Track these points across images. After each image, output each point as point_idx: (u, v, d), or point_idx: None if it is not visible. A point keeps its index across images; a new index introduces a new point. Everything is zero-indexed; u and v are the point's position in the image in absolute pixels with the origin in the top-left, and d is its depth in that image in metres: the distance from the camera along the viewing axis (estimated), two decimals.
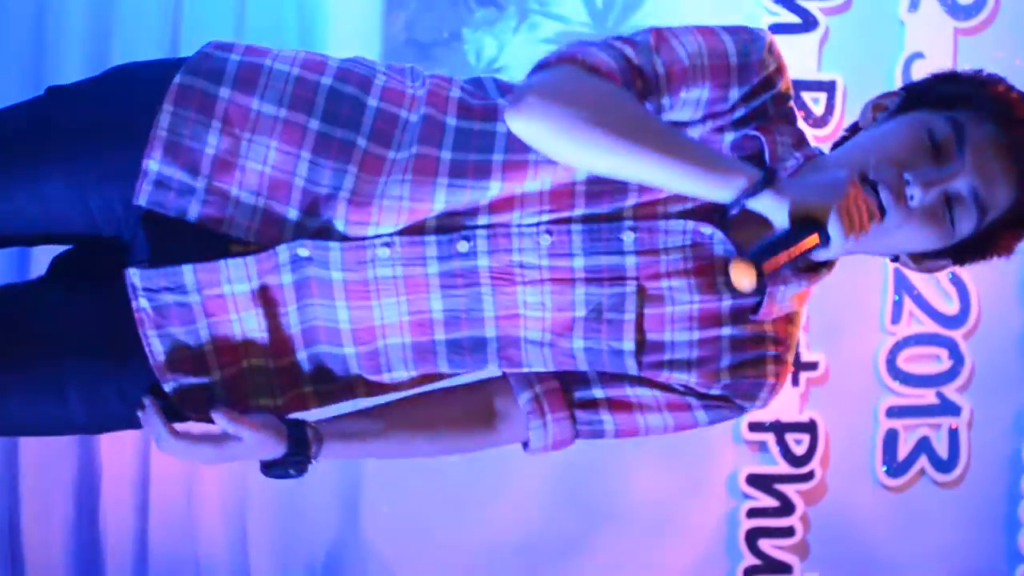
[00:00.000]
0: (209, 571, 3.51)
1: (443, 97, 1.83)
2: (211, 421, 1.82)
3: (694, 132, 1.77)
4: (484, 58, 3.47)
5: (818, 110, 3.54)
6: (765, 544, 3.66)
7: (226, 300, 1.79)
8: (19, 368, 1.82)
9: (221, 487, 3.48)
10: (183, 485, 3.47)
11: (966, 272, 3.61)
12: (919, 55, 3.55)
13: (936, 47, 3.55)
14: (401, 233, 1.77)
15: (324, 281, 1.78)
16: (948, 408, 3.68)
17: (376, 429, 1.90)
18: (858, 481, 3.69)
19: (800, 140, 1.81)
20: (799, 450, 3.65)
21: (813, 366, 3.62)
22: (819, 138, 3.47)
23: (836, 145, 1.86)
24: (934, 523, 3.70)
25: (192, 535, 3.49)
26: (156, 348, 1.80)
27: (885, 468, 3.69)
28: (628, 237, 1.78)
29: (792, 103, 1.83)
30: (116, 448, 3.40)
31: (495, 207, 1.77)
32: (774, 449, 3.65)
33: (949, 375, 3.68)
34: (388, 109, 1.81)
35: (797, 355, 1.91)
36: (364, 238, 1.77)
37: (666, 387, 1.87)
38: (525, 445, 1.94)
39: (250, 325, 1.80)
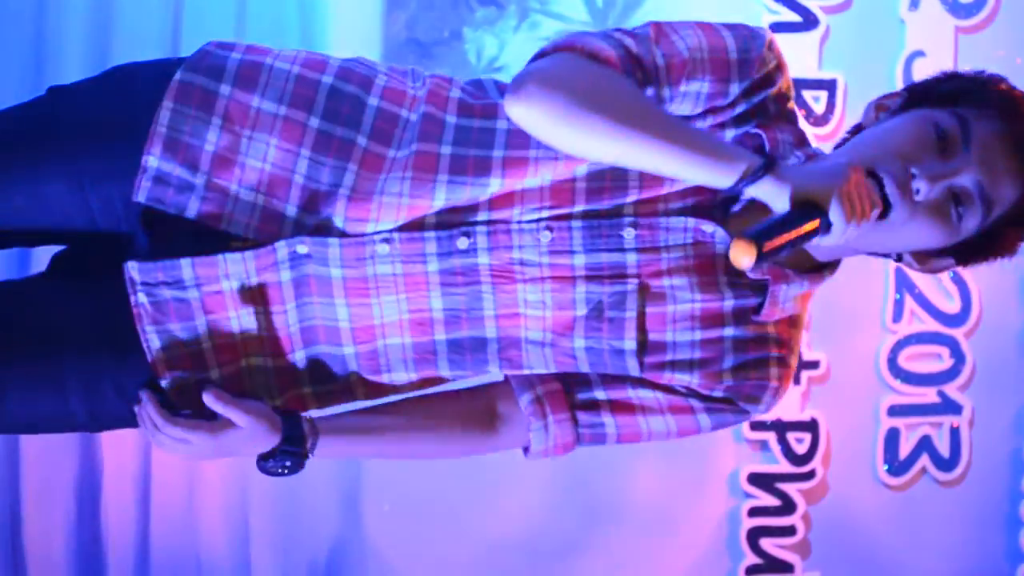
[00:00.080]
0: (210, 569, 3.51)
1: (443, 96, 1.83)
2: (208, 419, 1.82)
3: None
4: (485, 57, 3.47)
5: (819, 108, 3.54)
6: (766, 543, 3.66)
7: (224, 297, 1.79)
8: (18, 364, 1.82)
9: (223, 485, 3.48)
10: (185, 483, 3.47)
11: (967, 271, 3.60)
12: (920, 53, 3.55)
13: (937, 45, 3.55)
14: (401, 229, 1.77)
15: (323, 279, 1.78)
16: (949, 407, 3.68)
17: (375, 426, 1.89)
18: (859, 480, 3.69)
19: (801, 140, 1.81)
20: (800, 449, 3.65)
21: (814, 365, 3.62)
22: (820, 137, 3.47)
23: (838, 146, 1.85)
24: (935, 522, 3.70)
25: (194, 533, 3.49)
26: (154, 344, 1.80)
27: (886, 467, 3.69)
28: (629, 234, 1.78)
29: (793, 103, 1.82)
30: (117, 446, 3.40)
31: (495, 203, 1.77)
32: (775, 448, 3.65)
33: (950, 374, 3.68)
34: (389, 108, 1.81)
35: (799, 356, 1.90)
36: (363, 234, 1.77)
37: (668, 389, 1.86)
38: (526, 451, 1.93)
39: (248, 323, 1.80)
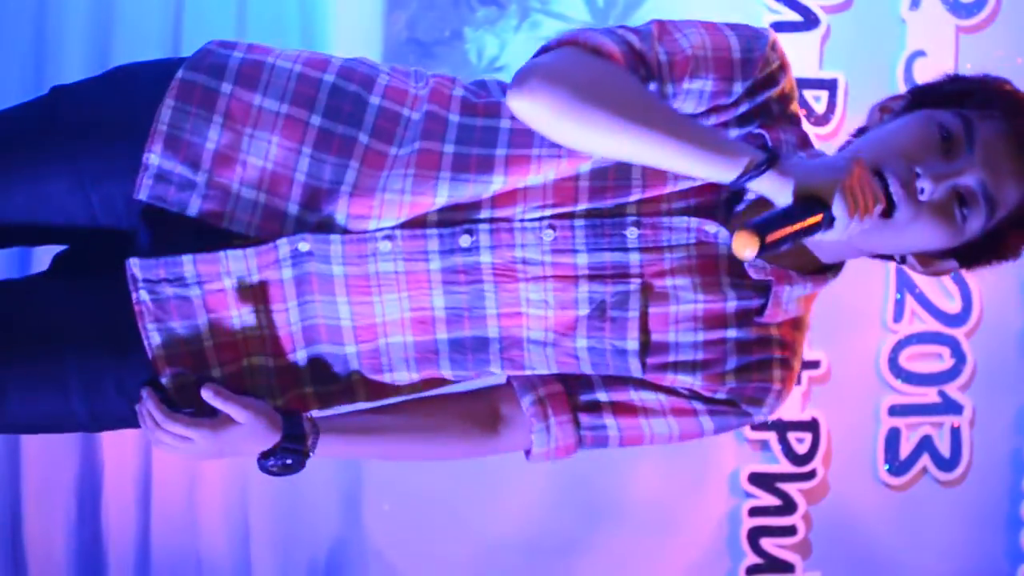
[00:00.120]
0: (211, 569, 3.51)
1: (446, 95, 1.83)
2: (208, 415, 1.81)
3: None
4: (485, 57, 3.47)
5: (819, 108, 3.54)
6: (767, 543, 3.66)
7: (226, 294, 1.79)
8: (18, 364, 1.82)
9: (223, 484, 3.48)
10: (185, 483, 3.47)
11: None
12: (920, 53, 3.55)
13: (937, 45, 3.54)
14: (403, 227, 1.76)
15: (325, 276, 1.78)
16: (950, 407, 3.68)
17: (376, 426, 1.89)
18: (860, 480, 3.69)
19: (804, 141, 1.81)
20: (801, 449, 3.65)
21: (815, 364, 3.62)
22: (820, 136, 3.47)
23: (842, 149, 1.84)
24: (936, 521, 3.70)
25: (194, 533, 3.49)
26: (155, 342, 1.79)
27: (887, 467, 3.69)
28: (632, 233, 1.78)
29: (796, 104, 1.82)
30: (118, 446, 3.40)
31: (498, 201, 1.77)
32: (776, 448, 3.65)
33: (951, 373, 3.67)
34: (390, 107, 1.81)
35: (802, 359, 1.90)
36: (365, 232, 1.77)
37: (671, 391, 1.85)
38: (528, 454, 1.92)
39: (250, 321, 1.80)
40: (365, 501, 3.57)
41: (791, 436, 3.64)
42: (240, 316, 1.80)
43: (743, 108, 1.77)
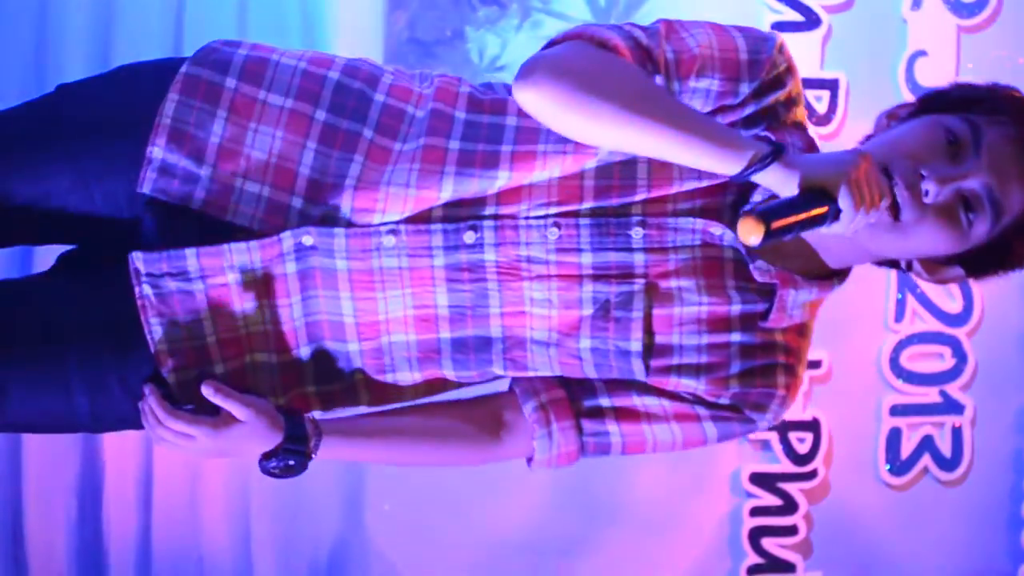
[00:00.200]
0: (212, 569, 3.51)
1: (452, 93, 1.83)
2: (211, 413, 1.81)
3: None
4: (487, 56, 3.47)
5: (821, 108, 3.54)
6: (768, 542, 3.66)
7: (229, 289, 1.79)
8: (21, 362, 1.81)
9: (224, 484, 3.48)
10: (186, 483, 3.47)
11: None
12: (922, 53, 3.55)
13: (939, 45, 3.54)
14: (407, 221, 1.77)
15: (328, 271, 1.78)
16: (951, 406, 3.68)
17: (378, 429, 1.88)
18: (861, 479, 3.69)
19: (811, 146, 1.80)
20: (802, 448, 3.65)
21: (816, 364, 3.61)
22: (822, 136, 3.47)
23: None
24: (937, 521, 3.70)
25: (195, 533, 3.49)
26: (158, 336, 1.79)
27: (888, 466, 3.69)
28: (637, 233, 1.77)
29: (803, 109, 1.82)
30: (119, 446, 3.40)
31: (503, 198, 1.77)
32: (777, 447, 3.65)
33: (952, 373, 3.67)
34: (395, 104, 1.82)
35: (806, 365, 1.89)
36: (370, 225, 1.77)
37: (674, 395, 1.84)
38: (529, 461, 1.91)
39: (253, 317, 1.80)
40: (367, 501, 3.57)
41: (792, 436, 3.64)
42: (243, 311, 1.80)
43: (749, 110, 1.77)
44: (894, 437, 3.68)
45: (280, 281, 1.79)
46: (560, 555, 3.63)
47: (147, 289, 1.78)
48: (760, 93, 1.77)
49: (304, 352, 1.83)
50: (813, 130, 1.86)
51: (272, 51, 1.86)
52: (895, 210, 1.69)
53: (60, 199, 1.81)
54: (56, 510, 3.42)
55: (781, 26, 3.48)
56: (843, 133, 3.50)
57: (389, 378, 1.85)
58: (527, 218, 1.77)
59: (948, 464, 3.69)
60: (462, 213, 1.77)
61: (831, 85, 3.54)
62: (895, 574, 3.71)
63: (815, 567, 3.69)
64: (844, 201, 1.62)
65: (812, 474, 3.66)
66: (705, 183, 1.77)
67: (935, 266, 1.81)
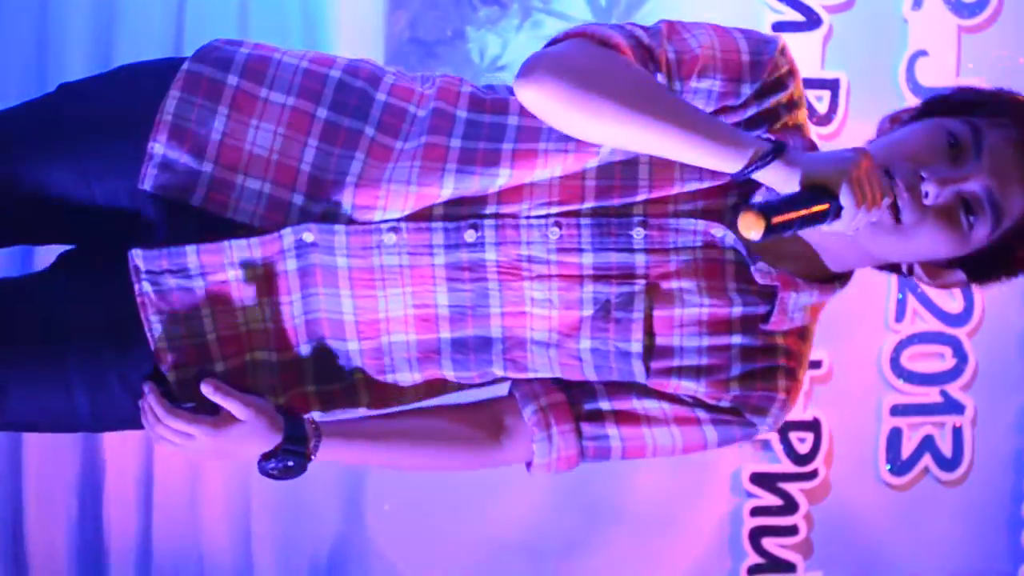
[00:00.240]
0: (212, 568, 3.51)
1: (454, 92, 1.83)
2: (211, 413, 1.80)
3: None
4: (488, 56, 3.47)
5: (822, 108, 3.53)
6: (768, 542, 3.66)
7: (229, 286, 1.79)
8: (21, 361, 1.81)
9: (225, 484, 3.48)
10: (187, 482, 3.47)
11: None
12: (923, 53, 3.55)
13: (939, 45, 3.54)
14: (408, 219, 1.77)
15: (329, 268, 1.78)
16: (952, 406, 3.68)
17: (378, 432, 1.88)
18: (862, 479, 3.69)
19: (812, 149, 1.80)
20: (803, 448, 3.65)
21: (817, 364, 3.61)
22: (823, 136, 3.47)
23: None
24: (938, 521, 3.70)
25: (196, 532, 3.49)
26: (158, 334, 1.79)
27: (889, 466, 3.69)
28: (638, 234, 1.77)
29: (805, 113, 1.82)
30: (120, 445, 3.40)
31: (504, 197, 1.77)
32: (778, 447, 3.64)
33: (953, 373, 3.67)
34: (396, 104, 1.82)
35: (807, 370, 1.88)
36: (371, 223, 1.77)
37: (674, 398, 1.84)
38: (529, 466, 1.90)
39: (253, 314, 1.80)
40: (367, 501, 3.57)
41: (793, 436, 3.64)
42: (243, 308, 1.80)
43: (751, 111, 1.77)
44: (895, 437, 3.68)
45: (280, 278, 1.79)
46: (560, 555, 3.63)
47: (147, 286, 1.78)
48: (762, 95, 1.77)
49: (304, 350, 1.83)
50: (815, 134, 1.85)
51: (274, 50, 1.86)
52: (895, 211, 1.69)
53: (61, 196, 1.81)
54: (57, 509, 3.42)
55: (782, 26, 3.48)
56: (844, 133, 3.50)
57: (389, 378, 1.84)
58: (528, 217, 1.77)
59: (948, 464, 3.69)
60: (463, 212, 1.77)
61: (832, 85, 3.54)
62: (895, 574, 3.71)
63: (815, 567, 3.69)
64: (845, 199, 1.62)
65: (813, 474, 3.66)
66: (707, 184, 1.77)
67: (936, 270, 1.81)
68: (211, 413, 1.80)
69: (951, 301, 3.65)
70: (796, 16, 3.52)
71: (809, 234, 1.77)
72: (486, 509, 3.58)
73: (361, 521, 3.58)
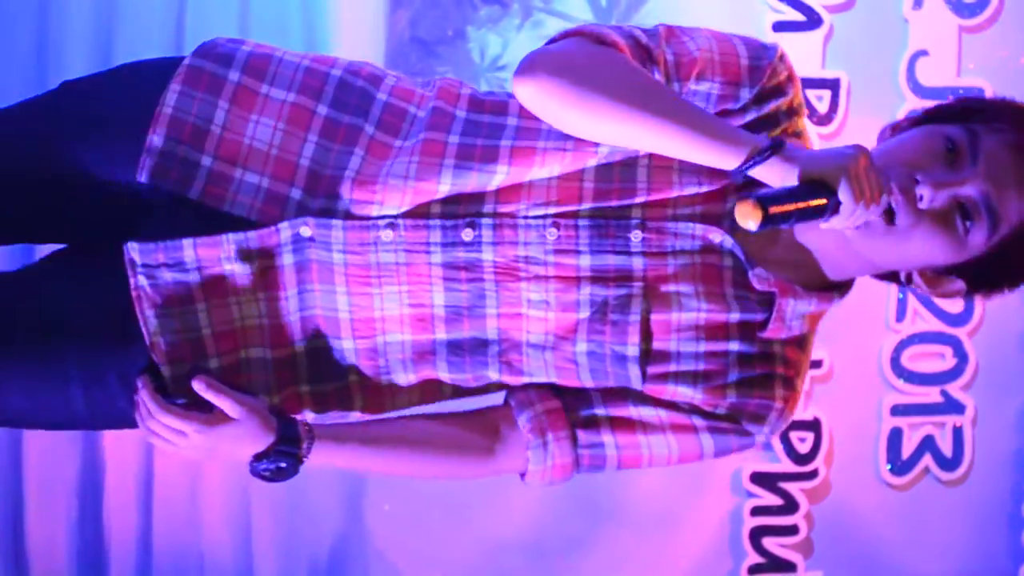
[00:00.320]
0: (213, 567, 3.51)
1: (454, 94, 1.84)
2: (205, 410, 1.79)
3: None
4: (488, 56, 3.47)
5: (822, 108, 3.53)
6: (769, 542, 3.66)
7: (226, 280, 1.78)
8: (18, 355, 1.81)
9: (225, 483, 3.48)
10: (187, 482, 3.47)
11: None
12: (923, 52, 3.54)
13: (940, 45, 3.54)
14: (406, 216, 1.76)
15: (325, 264, 1.78)
16: (952, 406, 3.68)
17: (373, 436, 1.86)
18: (862, 479, 3.69)
19: None
20: (803, 448, 3.65)
21: (817, 364, 3.61)
22: (823, 136, 3.47)
23: None
24: (938, 521, 3.69)
25: (196, 532, 3.49)
26: (153, 328, 1.79)
27: (889, 466, 3.68)
28: (636, 236, 1.77)
29: (804, 121, 1.82)
30: (120, 445, 3.40)
31: (502, 196, 1.77)
32: (778, 447, 3.64)
33: (953, 373, 3.67)
34: (397, 103, 1.82)
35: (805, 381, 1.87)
36: (368, 217, 1.77)
37: (671, 405, 1.83)
38: (523, 476, 1.88)
39: (249, 309, 1.79)
40: (367, 501, 3.57)
41: (793, 435, 3.64)
42: (239, 303, 1.79)
43: (750, 116, 1.77)
44: (895, 437, 3.68)
45: (277, 273, 1.79)
46: (560, 555, 3.63)
47: (142, 280, 1.78)
48: (761, 100, 1.77)
49: (299, 348, 1.82)
50: (815, 141, 1.85)
51: (275, 49, 1.87)
52: (889, 215, 1.69)
53: (60, 190, 1.81)
54: (57, 509, 3.42)
55: (782, 26, 3.47)
56: (844, 133, 3.50)
57: (384, 380, 1.84)
58: (526, 217, 1.77)
59: (949, 464, 3.69)
60: (460, 210, 1.77)
61: (832, 85, 3.54)
62: (896, 574, 3.71)
63: (816, 567, 3.69)
64: (844, 194, 1.61)
65: (813, 474, 3.66)
66: (705, 188, 1.77)
67: (935, 279, 1.80)
68: (205, 411, 1.79)
69: (951, 301, 3.65)
70: (797, 16, 3.52)
71: (807, 240, 1.77)
72: (486, 509, 3.58)
73: (361, 521, 3.58)
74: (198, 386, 1.78)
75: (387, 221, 1.76)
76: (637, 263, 1.77)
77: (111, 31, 3.28)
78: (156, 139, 1.78)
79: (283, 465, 1.82)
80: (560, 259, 1.77)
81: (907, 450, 3.68)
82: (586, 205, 1.77)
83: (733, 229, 1.77)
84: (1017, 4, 3.55)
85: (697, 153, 1.66)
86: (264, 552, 3.52)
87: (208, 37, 1.90)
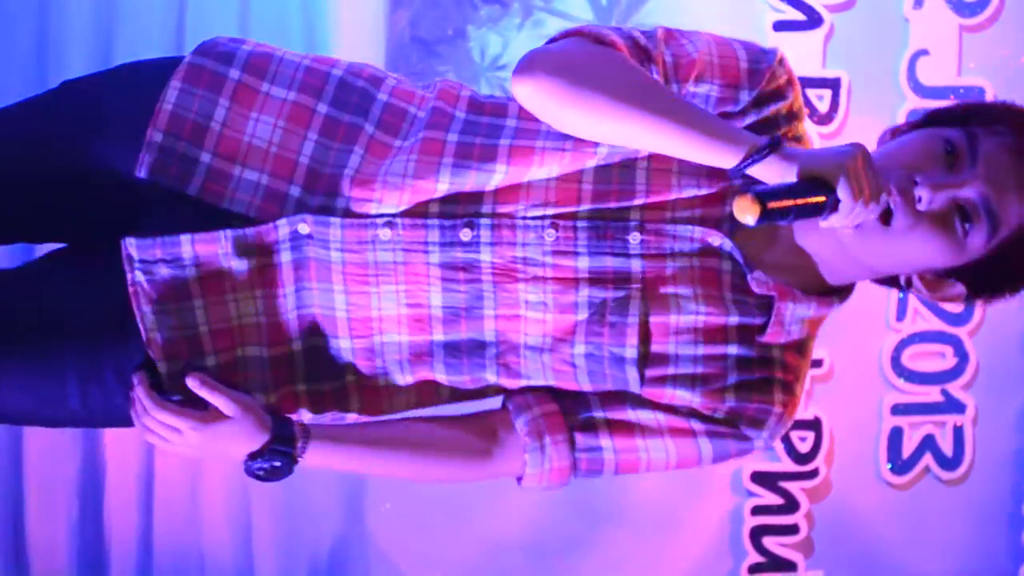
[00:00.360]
0: (213, 567, 3.51)
1: (454, 95, 1.84)
2: (200, 408, 1.79)
3: None
4: (488, 56, 3.47)
5: (823, 107, 3.53)
6: (769, 541, 3.66)
7: (223, 277, 1.78)
8: (15, 352, 1.81)
9: (225, 482, 3.48)
10: (187, 481, 3.47)
11: None
12: (924, 52, 3.54)
13: (941, 44, 3.54)
14: (404, 215, 1.76)
15: (323, 262, 1.78)
16: (953, 406, 3.68)
17: (369, 437, 1.85)
18: (863, 478, 3.69)
19: None
20: (803, 447, 3.65)
21: (818, 363, 3.61)
22: (824, 135, 3.47)
23: None
24: (938, 520, 3.69)
25: (196, 531, 3.49)
26: (150, 325, 1.78)
27: (890, 465, 3.68)
28: (634, 239, 1.77)
29: (804, 125, 1.82)
30: (120, 444, 3.40)
31: (500, 196, 1.77)
32: (778, 446, 3.64)
33: (954, 372, 3.67)
34: (397, 104, 1.83)
35: (804, 386, 1.86)
36: (367, 216, 1.76)
37: (669, 408, 1.82)
38: (520, 480, 1.88)
39: (246, 307, 1.79)
40: (367, 500, 3.57)
41: (793, 435, 3.64)
42: (236, 300, 1.79)
43: (750, 119, 1.77)
44: (895, 436, 3.68)
45: (274, 271, 1.79)
46: (561, 554, 3.63)
47: (140, 276, 1.78)
48: (760, 103, 1.77)
49: (296, 347, 1.82)
50: (816, 143, 1.85)
51: (276, 49, 1.88)
52: (887, 216, 1.69)
53: (59, 188, 1.81)
54: (57, 508, 3.42)
55: (783, 25, 3.47)
56: (844, 132, 3.50)
57: (381, 381, 1.83)
58: (524, 218, 1.77)
59: (949, 463, 3.69)
60: (459, 210, 1.77)
61: (833, 84, 3.54)
62: (896, 573, 3.71)
63: (816, 566, 3.69)
64: (843, 191, 1.61)
65: (813, 473, 3.66)
66: (704, 191, 1.77)
67: (935, 283, 1.80)
68: (201, 408, 1.79)
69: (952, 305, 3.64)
70: (797, 15, 3.52)
71: (807, 243, 1.77)
72: (486, 509, 3.58)
73: (361, 521, 3.58)
74: (192, 383, 1.77)
75: (385, 220, 1.76)
76: (635, 265, 1.77)
77: (111, 31, 3.28)
78: (156, 135, 1.79)
79: (277, 464, 1.81)
80: (558, 260, 1.77)
81: (907, 449, 3.68)
82: (585, 207, 1.77)
83: (732, 232, 1.76)
84: (1017, 4, 3.55)
85: (695, 151, 1.66)
86: (264, 552, 3.52)
87: (208, 37, 1.91)
